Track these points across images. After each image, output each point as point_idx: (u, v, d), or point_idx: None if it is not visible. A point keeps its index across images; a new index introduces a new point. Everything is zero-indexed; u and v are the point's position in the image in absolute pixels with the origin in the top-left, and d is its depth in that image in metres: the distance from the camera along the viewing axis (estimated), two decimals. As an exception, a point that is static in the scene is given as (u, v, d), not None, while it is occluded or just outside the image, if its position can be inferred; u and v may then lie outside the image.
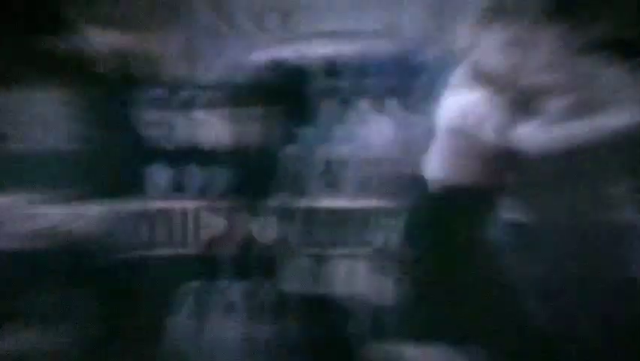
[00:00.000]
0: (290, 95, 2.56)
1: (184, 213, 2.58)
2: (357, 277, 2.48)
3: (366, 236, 2.51)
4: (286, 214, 2.53)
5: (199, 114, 2.58)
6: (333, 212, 2.53)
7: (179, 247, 2.56)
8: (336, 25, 2.58)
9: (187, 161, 2.58)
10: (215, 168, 2.57)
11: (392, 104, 2.53)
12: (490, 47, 1.85)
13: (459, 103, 1.94)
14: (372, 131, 2.54)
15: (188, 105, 2.59)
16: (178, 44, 2.58)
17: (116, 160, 2.50)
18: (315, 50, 2.57)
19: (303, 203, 2.54)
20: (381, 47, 2.54)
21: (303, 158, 2.55)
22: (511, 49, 1.81)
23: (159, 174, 2.57)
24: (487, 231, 1.93)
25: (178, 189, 2.59)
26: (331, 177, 2.55)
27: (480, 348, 1.88)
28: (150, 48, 2.56)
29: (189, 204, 2.58)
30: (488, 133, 1.87)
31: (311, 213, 2.54)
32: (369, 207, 2.51)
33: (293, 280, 2.51)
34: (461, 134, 1.92)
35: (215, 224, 2.55)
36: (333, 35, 2.57)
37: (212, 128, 2.57)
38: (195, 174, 2.59)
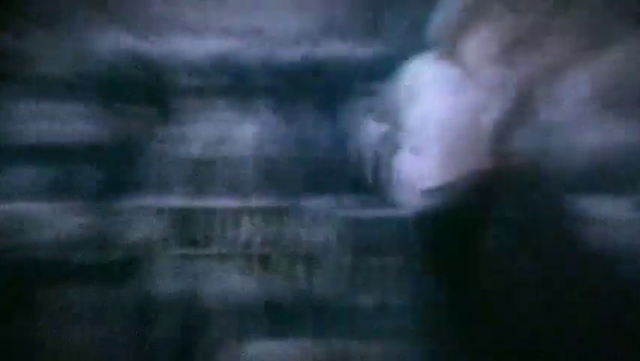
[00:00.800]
0: (152, 92, 2.53)
1: (41, 214, 2.48)
2: (224, 277, 2.50)
3: (234, 236, 2.53)
4: (151, 214, 2.50)
5: (57, 110, 2.49)
6: (199, 211, 2.53)
7: (35, 249, 2.46)
8: (201, 23, 2.57)
9: (43, 159, 2.47)
10: (75, 166, 2.48)
11: (258, 103, 2.56)
12: (486, 45, 1.82)
13: (455, 103, 1.91)
14: (238, 131, 2.56)
15: (46, 101, 2.50)
16: (37, 38, 2.48)
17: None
18: (179, 47, 2.55)
19: (168, 202, 2.52)
20: (246, 47, 2.56)
21: (167, 156, 2.53)
22: (511, 46, 1.79)
23: (14, 173, 2.46)
24: (485, 231, 1.90)
25: (35, 188, 2.49)
26: (196, 177, 2.54)
27: (479, 348, 1.87)
28: (9, 43, 2.45)
29: (47, 205, 2.48)
30: (485, 133, 1.85)
31: (177, 213, 2.52)
32: (236, 207, 2.53)
33: (158, 282, 2.48)
34: (457, 135, 1.89)
35: (74, 225, 2.48)
36: (197, 32, 2.56)
37: (72, 124, 2.49)
38: (53, 173, 2.49)
